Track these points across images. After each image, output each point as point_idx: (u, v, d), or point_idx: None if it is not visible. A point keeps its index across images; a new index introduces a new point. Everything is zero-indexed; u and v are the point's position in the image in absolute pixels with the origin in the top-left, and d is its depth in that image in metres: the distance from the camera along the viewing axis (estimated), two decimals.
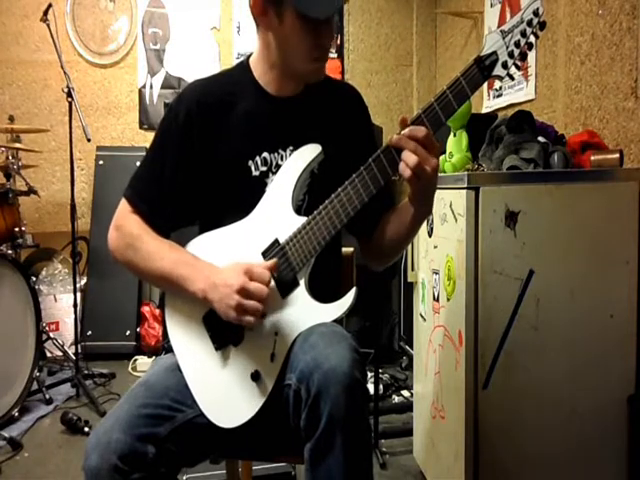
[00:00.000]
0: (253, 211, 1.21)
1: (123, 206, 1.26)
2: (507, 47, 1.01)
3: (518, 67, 1.03)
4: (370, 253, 1.35)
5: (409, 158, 1.02)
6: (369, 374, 2.51)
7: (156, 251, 1.19)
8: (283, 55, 1.21)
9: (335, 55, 4.41)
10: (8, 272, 2.70)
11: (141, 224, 1.23)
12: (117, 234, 1.24)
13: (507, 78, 1.03)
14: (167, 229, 1.27)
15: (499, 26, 1.04)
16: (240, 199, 1.23)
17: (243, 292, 1.06)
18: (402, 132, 1.04)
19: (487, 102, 3.43)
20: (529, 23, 1.00)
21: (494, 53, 1.02)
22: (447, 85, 1.02)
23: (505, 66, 1.02)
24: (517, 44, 1.01)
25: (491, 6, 3.38)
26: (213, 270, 1.13)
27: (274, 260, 1.12)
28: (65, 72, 3.07)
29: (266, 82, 1.27)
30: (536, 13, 1.00)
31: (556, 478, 1.64)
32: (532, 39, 1.01)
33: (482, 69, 1.02)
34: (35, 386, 2.86)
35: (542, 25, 1.00)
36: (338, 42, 4.41)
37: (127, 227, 1.23)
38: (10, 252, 2.82)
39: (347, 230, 1.31)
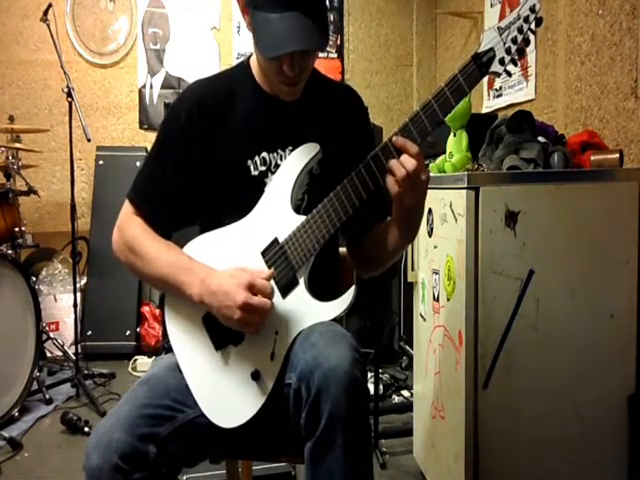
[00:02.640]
0: (252, 211, 1.21)
1: (126, 208, 1.27)
2: (504, 43, 1.01)
3: (515, 63, 1.03)
4: (356, 259, 1.37)
5: (397, 170, 1.03)
6: (369, 374, 2.50)
7: (154, 253, 1.19)
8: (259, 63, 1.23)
9: (335, 55, 4.41)
10: (8, 272, 2.70)
11: (142, 226, 1.23)
12: (119, 236, 1.24)
13: (504, 74, 1.03)
14: (169, 230, 1.27)
15: (498, 23, 1.04)
16: (239, 199, 1.23)
17: (246, 307, 1.06)
18: (392, 140, 1.05)
19: (487, 102, 3.43)
20: (526, 19, 1.00)
21: (491, 50, 1.02)
22: (445, 82, 1.02)
23: (502, 62, 1.02)
24: (514, 40, 1.01)
25: (491, 6, 3.39)
26: (209, 274, 1.13)
27: (272, 270, 1.13)
28: (65, 72, 3.07)
29: (265, 82, 1.27)
30: (532, 9, 1.00)
31: (556, 477, 1.64)
32: (529, 35, 1.01)
33: (479, 65, 1.02)
34: (35, 386, 2.86)
35: (539, 21, 1.00)
36: (338, 42, 4.41)
37: (128, 229, 1.23)
38: (10, 252, 2.82)
39: (340, 231, 1.31)
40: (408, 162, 1.03)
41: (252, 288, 1.07)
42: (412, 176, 1.03)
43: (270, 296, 1.08)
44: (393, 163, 1.04)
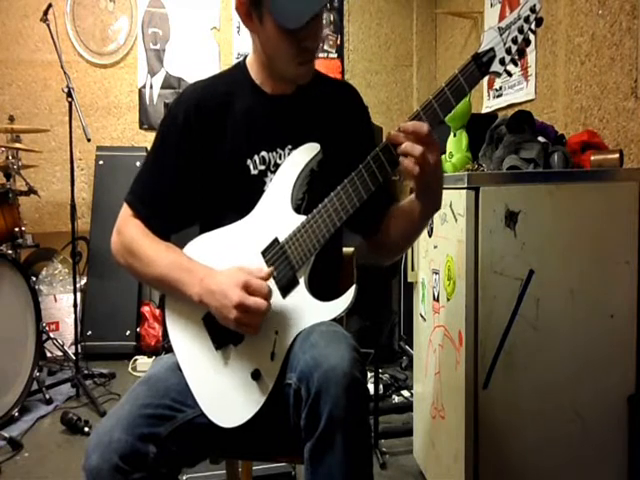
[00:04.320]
0: (252, 210, 1.21)
1: (124, 210, 1.27)
2: (504, 44, 1.01)
3: (516, 63, 1.03)
4: (377, 249, 1.36)
5: (412, 150, 1.02)
6: (369, 374, 2.50)
7: (153, 255, 1.20)
8: (269, 58, 1.22)
9: (335, 55, 4.41)
10: (8, 272, 2.70)
11: (141, 228, 1.24)
12: (118, 239, 1.25)
13: (505, 74, 1.03)
14: (168, 232, 1.27)
15: (498, 24, 1.04)
16: (239, 198, 1.23)
17: (241, 308, 1.05)
18: (403, 127, 1.04)
19: (487, 102, 3.43)
20: (526, 19, 1.00)
21: (491, 50, 1.02)
22: (445, 82, 1.03)
23: (502, 62, 1.02)
24: (514, 40, 1.01)
25: (491, 6, 3.39)
26: (208, 273, 1.13)
27: (271, 269, 1.12)
28: (65, 72, 3.07)
29: (262, 81, 1.27)
30: (533, 9, 1.00)
31: (556, 477, 1.64)
32: (529, 35, 1.01)
33: (479, 65, 1.02)
34: (35, 386, 2.86)
35: (539, 21, 1.00)
36: (338, 42, 4.41)
37: (127, 232, 1.24)
38: (10, 252, 2.82)
39: (351, 230, 1.31)
40: (414, 125, 1.02)
41: (248, 288, 1.06)
42: (423, 137, 1.02)
43: (267, 297, 1.07)
44: (399, 135, 1.04)
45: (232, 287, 1.06)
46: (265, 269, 1.13)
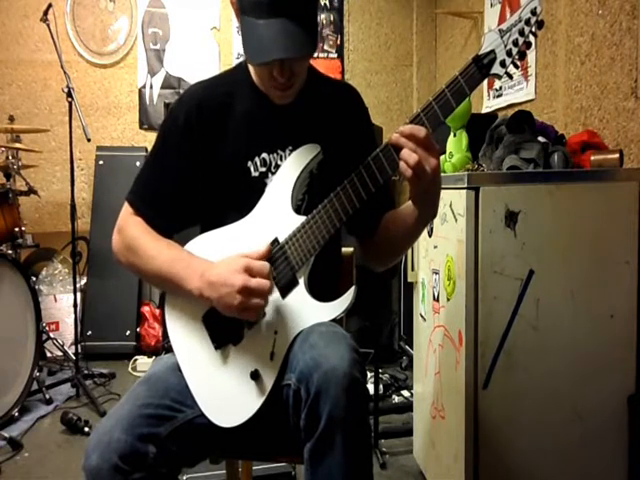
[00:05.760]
0: (253, 211, 1.21)
1: (125, 209, 1.27)
2: (505, 46, 1.01)
3: (516, 66, 1.03)
4: (371, 254, 1.34)
5: (409, 157, 1.02)
6: (369, 374, 2.50)
7: (154, 251, 1.19)
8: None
9: (335, 55, 4.42)
10: (8, 272, 2.70)
11: (142, 225, 1.24)
12: (119, 237, 1.25)
13: (505, 77, 1.03)
14: (169, 231, 1.27)
15: (499, 26, 1.04)
16: (240, 200, 1.23)
17: (245, 291, 1.05)
18: (401, 130, 1.04)
19: (487, 102, 3.43)
20: (527, 22, 1.00)
21: (492, 52, 1.02)
22: (446, 84, 1.02)
23: (503, 65, 1.02)
24: (515, 43, 1.01)
25: (491, 6, 3.38)
26: (208, 267, 1.13)
27: (267, 247, 1.12)
28: (65, 72, 3.07)
29: (261, 83, 1.27)
30: (534, 12, 1.00)
31: (556, 477, 1.64)
32: (530, 38, 1.01)
33: (480, 68, 1.02)
34: (35, 386, 2.86)
35: (540, 24, 1.00)
36: (338, 42, 4.41)
37: (128, 230, 1.24)
38: (10, 252, 2.82)
39: (347, 231, 1.31)
40: (416, 130, 1.02)
41: (250, 271, 1.06)
42: (424, 142, 1.01)
43: (268, 276, 1.07)
44: (400, 137, 1.03)
45: (233, 273, 1.06)
46: (261, 249, 1.12)
